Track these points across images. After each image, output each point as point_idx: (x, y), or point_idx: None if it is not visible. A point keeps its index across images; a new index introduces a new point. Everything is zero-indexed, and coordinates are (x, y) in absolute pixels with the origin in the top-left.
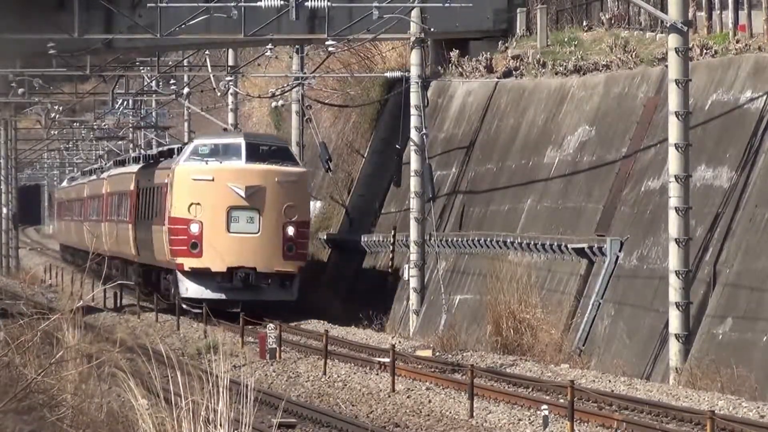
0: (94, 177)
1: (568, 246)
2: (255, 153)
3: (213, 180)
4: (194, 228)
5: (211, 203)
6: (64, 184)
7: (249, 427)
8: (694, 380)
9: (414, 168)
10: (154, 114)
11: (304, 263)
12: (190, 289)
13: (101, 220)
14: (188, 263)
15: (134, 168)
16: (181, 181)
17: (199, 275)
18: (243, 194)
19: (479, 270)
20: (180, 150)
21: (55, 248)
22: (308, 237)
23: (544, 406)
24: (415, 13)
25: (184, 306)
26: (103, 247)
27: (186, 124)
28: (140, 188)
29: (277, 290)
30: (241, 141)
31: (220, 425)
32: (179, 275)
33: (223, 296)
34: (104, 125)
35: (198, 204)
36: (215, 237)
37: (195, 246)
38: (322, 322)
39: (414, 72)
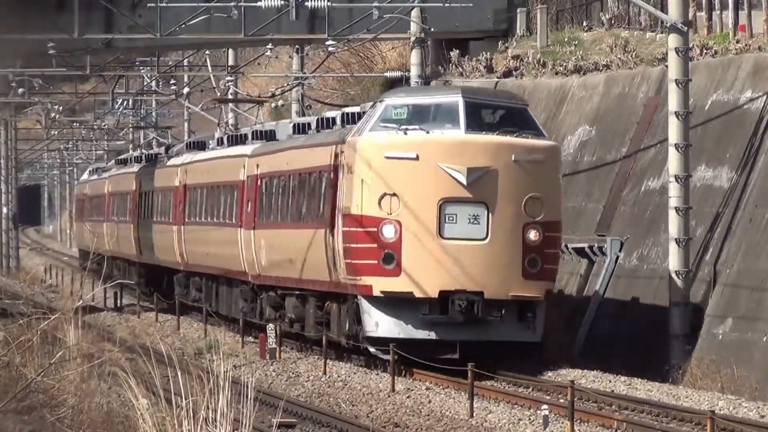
0: (137, 167)
1: (569, 246)
2: (478, 117)
3: (417, 158)
4: (388, 231)
5: (415, 194)
6: (86, 176)
7: (249, 427)
8: (695, 380)
9: None
10: (154, 114)
11: (552, 285)
12: (382, 324)
13: (172, 222)
14: (380, 285)
15: (239, 151)
16: (368, 160)
17: (396, 304)
18: (463, 180)
19: None
20: (323, 122)
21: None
22: (559, 245)
23: (544, 406)
24: (415, 13)
25: (371, 350)
26: (175, 257)
27: (186, 124)
28: (261, 179)
29: (513, 326)
30: (457, 98)
31: (221, 425)
32: (365, 304)
33: (432, 335)
34: (104, 125)
35: (394, 195)
36: (421, 245)
37: (390, 259)
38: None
39: (414, 72)
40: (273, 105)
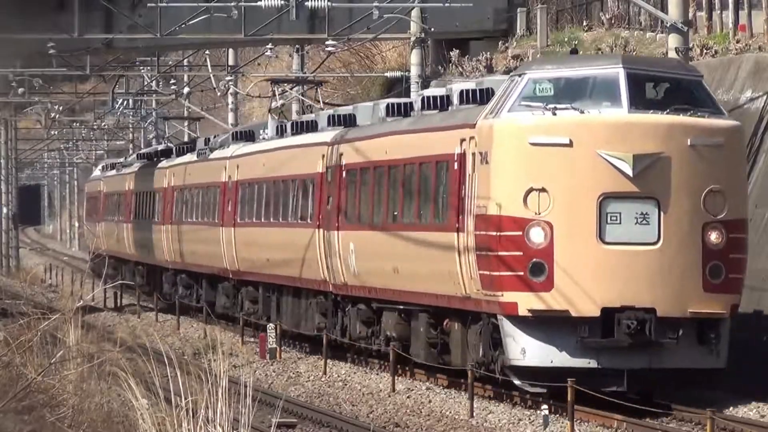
0: (167, 161)
1: None
2: (643, 92)
3: (571, 145)
4: (537, 235)
5: (569, 189)
6: (98, 173)
7: (248, 426)
8: None
9: None
10: (154, 114)
11: (739, 298)
12: (530, 350)
13: (219, 223)
14: (526, 302)
15: (317, 138)
16: (509, 147)
17: (547, 325)
18: (629, 170)
19: None
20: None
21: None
22: (746, 249)
23: (544, 406)
24: (415, 13)
25: (516, 382)
26: (222, 263)
27: (186, 124)
28: (347, 171)
29: (692, 350)
30: (617, 70)
31: (220, 425)
32: (507, 325)
33: (593, 363)
34: (104, 125)
35: (542, 191)
36: (577, 252)
37: (539, 270)
38: None
39: (414, 72)
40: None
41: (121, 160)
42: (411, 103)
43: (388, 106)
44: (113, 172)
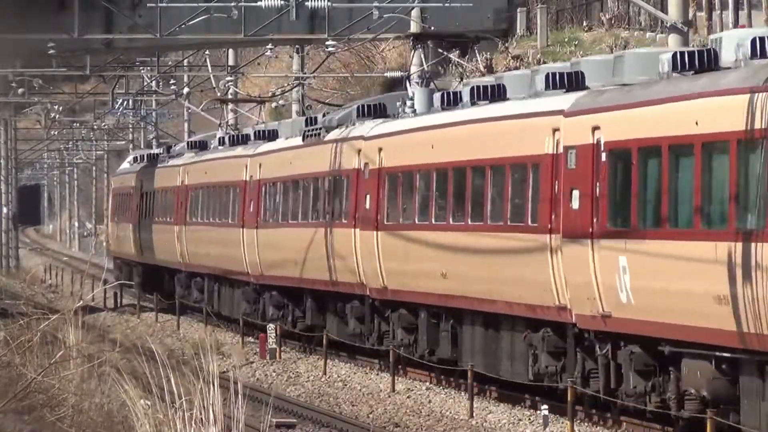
0: (241, 149)
1: None
2: None
3: None
4: None
5: None
6: (128, 166)
7: (241, 423)
8: None
9: None
10: (154, 114)
11: None
12: None
13: (317, 223)
14: None
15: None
16: None
17: None
18: None
19: None
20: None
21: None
22: None
23: (544, 406)
24: (415, 13)
25: None
26: (324, 272)
27: (186, 124)
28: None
29: None
30: None
31: (213, 424)
32: None
33: None
34: (104, 125)
35: None
36: None
37: None
38: None
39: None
40: (273, 105)
41: (158, 150)
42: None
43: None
44: (151, 164)
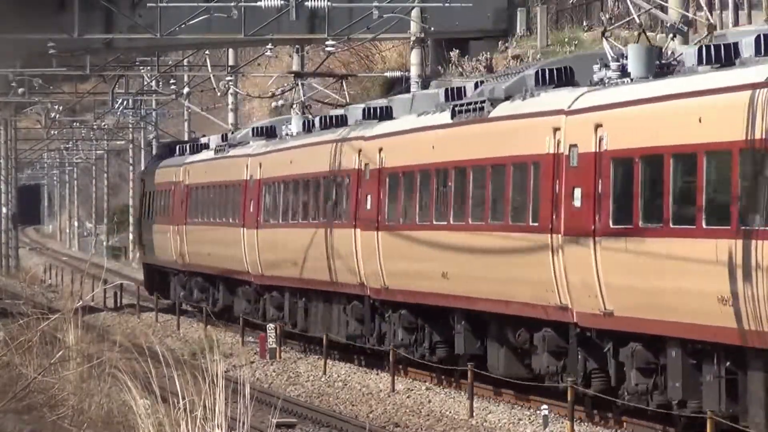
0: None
1: None
2: None
3: None
4: None
5: None
6: (196, 157)
7: (247, 425)
8: None
9: None
10: (154, 114)
11: None
12: None
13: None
14: None
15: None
16: None
17: None
18: None
19: None
20: None
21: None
22: None
23: (544, 406)
24: (415, 13)
25: None
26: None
27: (186, 124)
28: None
29: None
30: None
31: (218, 425)
32: None
33: None
34: (104, 125)
35: None
36: None
37: None
38: None
39: (414, 72)
40: (273, 105)
41: (208, 139)
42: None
43: (447, 90)
44: (208, 153)
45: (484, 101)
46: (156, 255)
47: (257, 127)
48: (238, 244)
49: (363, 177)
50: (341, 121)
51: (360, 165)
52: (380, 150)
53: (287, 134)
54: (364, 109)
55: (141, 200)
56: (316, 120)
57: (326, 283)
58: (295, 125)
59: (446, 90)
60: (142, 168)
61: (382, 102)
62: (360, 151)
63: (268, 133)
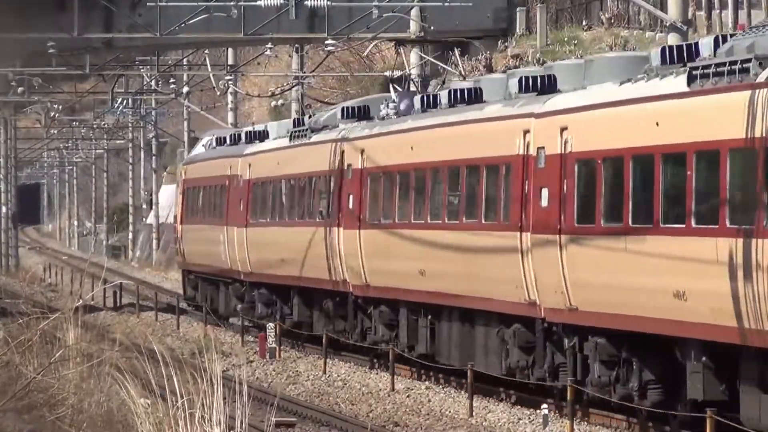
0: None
1: None
2: None
3: None
4: None
5: None
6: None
7: (245, 424)
8: None
9: None
10: (153, 113)
11: None
12: None
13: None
14: None
15: None
16: None
17: None
18: None
19: None
20: None
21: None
22: None
23: (544, 406)
24: (414, 12)
25: None
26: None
27: (185, 124)
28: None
29: None
30: None
31: (216, 423)
32: None
33: None
34: (104, 124)
35: None
36: None
37: None
38: None
39: (414, 72)
40: (272, 104)
41: (265, 126)
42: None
43: (422, 98)
44: (279, 141)
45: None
46: (201, 261)
47: (348, 107)
48: (330, 248)
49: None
50: (476, 96)
51: (527, 150)
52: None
53: (388, 114)
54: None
55: (183, 198)
56: (443, 95)
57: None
58: (406, 103)
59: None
60: (183, 160)
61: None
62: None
63: (361, 113)
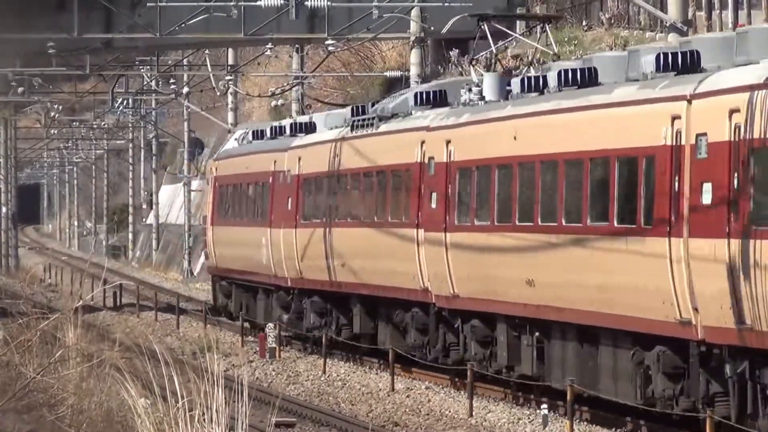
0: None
1: None
2: None
3: None
4: None
5: None
6: (313, 138)
7: (245, 424)
8: None
9: None
10: (153, 113)
11: None
12: None
13: None
14: None
15: None
16: None
17: None
18: None
19: None
20: None
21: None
22: None
23: (544, 406)
24: (414, 13)
25: None
26: None
27: (186, 124)
28: None
29: None
30: None
31: (217, 424)
32: None
33: None
34: (104, 124)
35: None
36: None
37: None
38: None
39: (414, 71)
40: (273, 104)
41: (309, 117)
42: None
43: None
44: (337, 132)
45: (373, 118)
46: (237, 266)
47: (421, 93)
48: (407, 253)
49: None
50: (590, 78)
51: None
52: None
53: (472, 100)
54: None
55: (214, 197)
56: (551, 76)
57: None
58: (496, 86)
59: (352, 108)
60: (215, 155)
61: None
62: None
63: (437, 99)
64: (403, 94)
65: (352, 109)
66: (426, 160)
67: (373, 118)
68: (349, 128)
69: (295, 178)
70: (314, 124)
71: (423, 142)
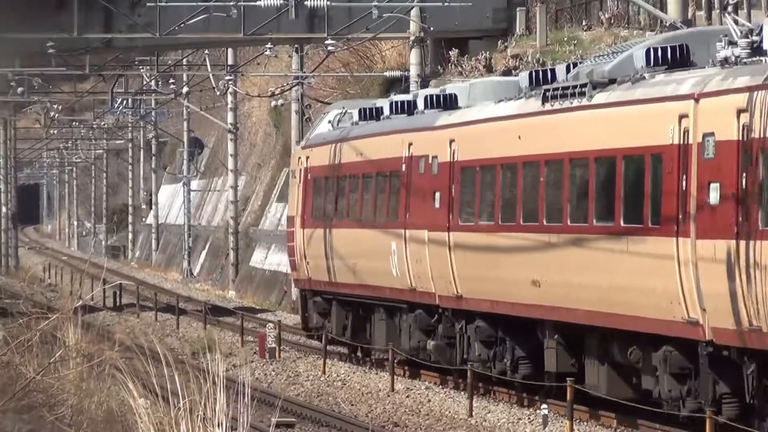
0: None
1: None
2: None
3: None
4: None
5: None
6: (472, 114)
7: (247, 425)
8: None
9: None
10: (153, 113)
11: None
12: None
13: None
14: None
15: None
16: None
17: None
18: None
19: None
20: None
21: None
22: None
23: (544, 406)
24: (414, 13)
25: None
26: None
27: (185, 124)
28: None
29: None
30: None
31: (218, 424)
32: None
33: None
34: (103, 124)
35: None
36: None
37: None
38: None
39: (413, 71)
40: (272, 104)
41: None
42: None
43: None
44: (500, 109)
45: (584, 85)
46: (344, 279)
47: (655, 49)
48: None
49: None
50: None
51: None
52: None
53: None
54: None
55: (304, 191)
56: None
57: None
58: None
59: (530, 74)
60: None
61: None
62: None
63: (675, 59)
64: (618, 53)
65: (531, 77)
66: (689, 141)
67: (584, 86)
68: (539, 100)
69: (446, 167)
70: (455, 96)
71: (682, 117)
